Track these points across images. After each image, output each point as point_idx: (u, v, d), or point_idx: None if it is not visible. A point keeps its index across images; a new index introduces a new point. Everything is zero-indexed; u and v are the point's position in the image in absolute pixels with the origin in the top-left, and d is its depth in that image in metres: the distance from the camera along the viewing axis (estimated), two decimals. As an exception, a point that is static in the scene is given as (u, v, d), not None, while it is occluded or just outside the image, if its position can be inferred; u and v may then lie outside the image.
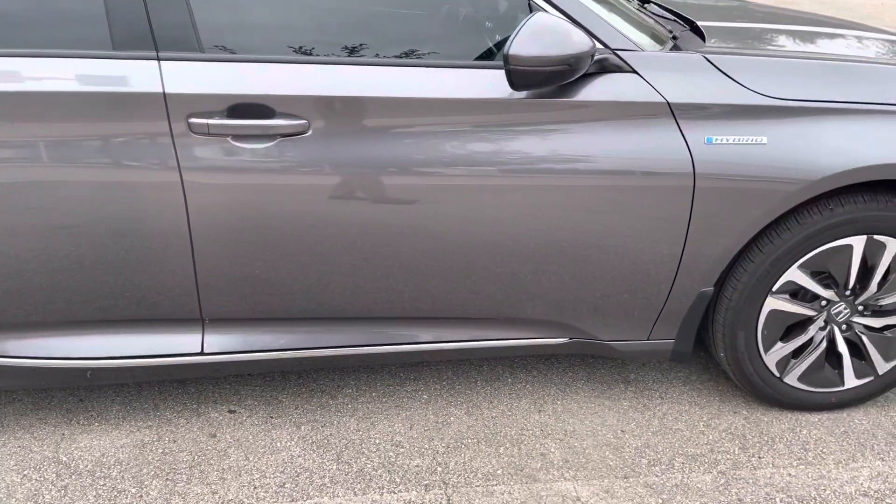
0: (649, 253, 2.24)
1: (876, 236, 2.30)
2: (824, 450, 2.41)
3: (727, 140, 2.15)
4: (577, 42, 1.96)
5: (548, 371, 2.77)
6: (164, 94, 1.93)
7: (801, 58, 2.34)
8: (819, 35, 2.80)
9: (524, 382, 2.71)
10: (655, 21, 2.67)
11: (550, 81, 2.00)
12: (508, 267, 2.24)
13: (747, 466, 2.34)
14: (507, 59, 1.91)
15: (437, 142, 2.08)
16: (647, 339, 2.43)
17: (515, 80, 1.96)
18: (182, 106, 1.95)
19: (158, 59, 1.96)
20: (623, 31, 2.18)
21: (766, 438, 2.45)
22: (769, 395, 2.53)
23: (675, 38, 2.42)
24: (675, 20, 2.74)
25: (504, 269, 2.23)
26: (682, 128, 2.14)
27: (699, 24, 2.63)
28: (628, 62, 2.14)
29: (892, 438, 2.45)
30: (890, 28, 3.28)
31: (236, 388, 2.65)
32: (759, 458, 2.37)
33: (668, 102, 2.13)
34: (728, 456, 2.38)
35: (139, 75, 1.94)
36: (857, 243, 2.30)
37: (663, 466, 2.33)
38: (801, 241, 2.28)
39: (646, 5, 2.99)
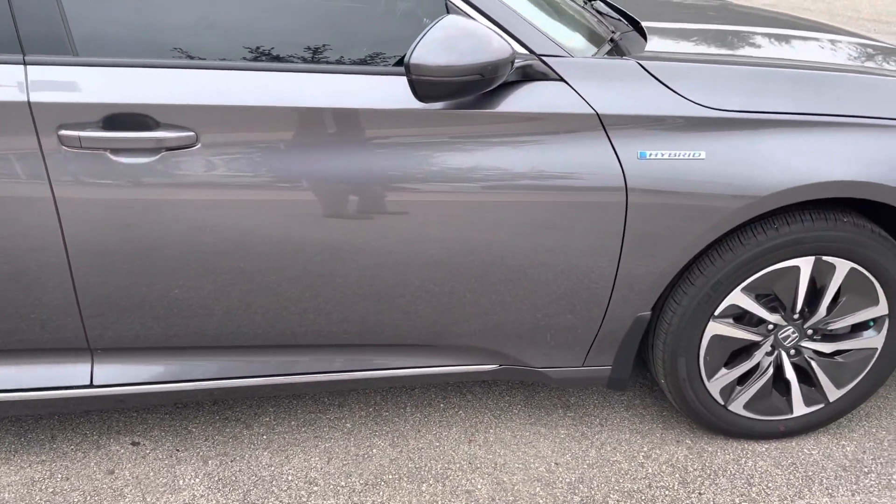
0: (580, 275, 2.07)
1: (825, 257, 2.13)
2: (770, 484, 2.25)
3: (662, 154, 1.97)
4: (493, 48, 1.77)
5: (484, 395, 2.59)
6: (30, 104, 1.73)
7: (747, 65, 2.16)
8: (783, 39, 2.63)
9: (457, 408, 2.53)
10: (599, 21, 2.49)
11: (464, 92, 1.81)
12: (430, 290, 2.05)
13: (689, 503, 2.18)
14: (408, 68, 1.72)
15: (343, 156, 1.89)
16: (582, 366, 2.26)
17: (420, 92, 1.77)
18: (51, 117, 1.74)
19: (24, 63, 1.75)
20: (551, 35, 2.00)
21: (708, 472, 2.29)
22: (713, 423, 2.37)
23: (612, 41, 2.24)
24: (619, 19, 2.56)
25: (425, 291, 2.05)
26: (612, 141, 1.96)
27: (644, 24, 2.45)
28: (555, 69, 1.95)
29: (842, 471, 2.30)
30: (875, 36, 3.12)
31: (143, 417, 2.45)
32: (700, 493, 2.21)
33: (597, 113, 1.94)
34: (667, 492, 2.21)
35: (1, 82, 1.73)
36: (805, 265, 2.14)
37: (596, 505, 2.16)
38: (745, 263, 2.11)
39: (592, 3, 2.81)
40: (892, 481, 2.26)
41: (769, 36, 2.66)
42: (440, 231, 1.97)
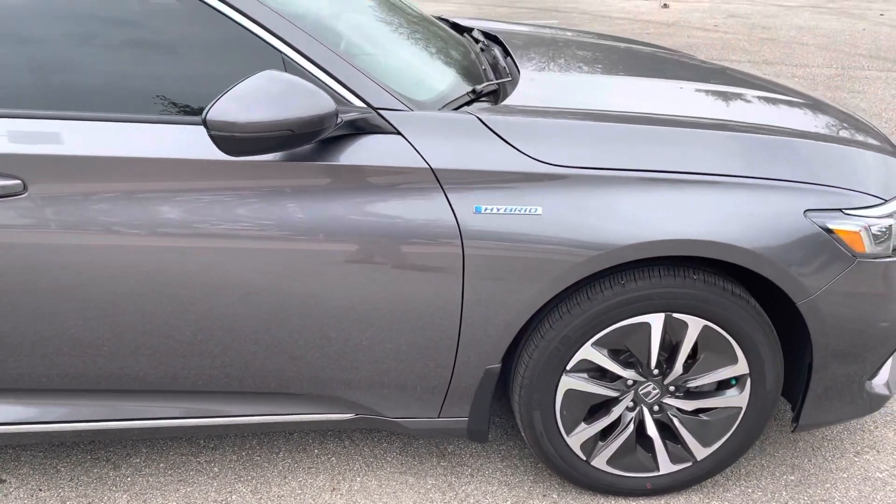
0: (426, 327, 2.06)
1: (675, 314, 2.10)
2: (625, 544, 2.20)
3: (498, 210, 1.97)
4: (306, 104, 1.78)
5: (361, 441, 2.58)
6: None
7: (593, 120, 2.15)
8: (677, 92, 2.61)
9: (331, 454, 2.52)
10: (482, 68, 2.50)
11: (276, 148, 1.82)
12: (272, 337, 2.06)
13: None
14: (205, 124, 1.73)
15: (171, 206, 1.90)
16: (438, 417, 2.24)
17: (223, 147, 1.78)
18: None
19: None
20: (392, 88, 2.00)
21: (566, 529, 2.25)
22: (577, 478, 2.33)
23: (474, 91, 2.24)
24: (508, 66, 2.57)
25: (268, 338, 2.06)
26: (448, 195, 1.96)
27: (524, 74, 2.46)
28: (392, 123, 1.96)
29: (703, 532, 2.24)
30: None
31: (17, 454, 2.47)
32: (551, 552, 2.17)
33: (431, 168, 1.94)
34: (517, 549, 2.18)
35: None
36: (655, 321, 2.11)
37: (442, 560, 2.13)
38: (593, 318, 2.09)
39: (486, 48, 2.82)
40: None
41: (664, 89, 2.64)
42: (280, 281, 1.98)
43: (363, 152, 1.96)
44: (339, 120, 1.88)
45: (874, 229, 2.11)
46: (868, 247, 2.09)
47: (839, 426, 2.67)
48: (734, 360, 2.17)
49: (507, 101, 2.23)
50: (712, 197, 2.03)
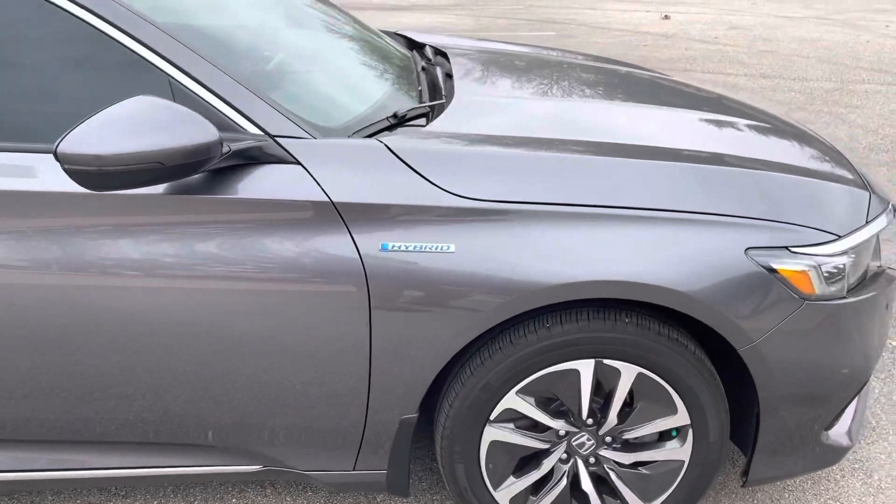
0: (333, 374, 1.89)
1: (606, 361, 1.91)
2: None
3: (406, 247, 1.79)
4: (178, 134, 1.61)
5: (284, 489, 2.41)
6: None
7: (517, 148, 1.97)
8: (627, 118, 2.43)
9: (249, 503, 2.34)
10: (415, 91, 2.34)
11: (152, 181, 1.65)
12: (163, 386, 1.89)
13: None
14: (56, 156, 1.57)
15: (52, 242, 1.74)
16: (354, 470, 2.06)
17: (81, 181, 1.61)
18: None
19: None
20: (294, 113, 1.84)
21: (492, 591, 2.06)
22: (508, 536, 2.14)
23: (396, 116, 2.07)
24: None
25: (158, 383, 1.88)
26: (351, 231, 1.79)
27: (458, 93, 2.29)
28: (291, 152, 1.80)
29: None
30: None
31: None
32: None
33: (332, 202, 1.77)
34: None
35: None
36: (584, 368, 1.93)
37: None
38: (517, 364, 1.91)
39: (433, 65, 2.65)
40: None
41: (617, 114, 2.46)
42: (171, 323, 1.82)
43: (259, 184, 1.79)
44: (227, 149, 1.71)
45: (826, 268, 1.92)
46: (818, 288, 1.91)
47: (803, 476, 2.47)
48: (673, 410, 1.99)
49: (431, 127, 2.06)
50: (642, 234, 1.85)
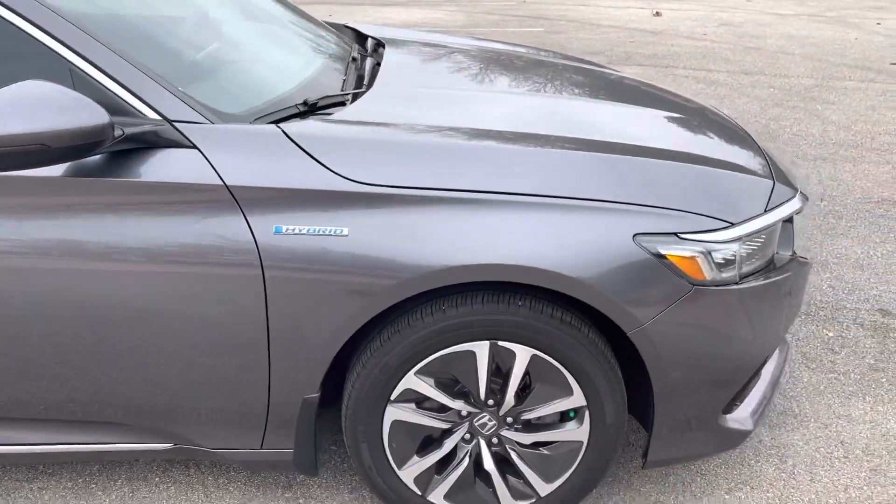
0: (232, 355, 1.95)
1: (501, 342, 1.96)
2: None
3: (300, 230, 1.85)
4: (65, 117, 1.66)
5: (208, 469, 2.47)
6: None
7: (413, 135, 2.03)
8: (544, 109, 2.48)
9: (170, 483, 2.41)
10: (351, 78, 2.39)
11: (39, 163, 1.71)
12: (69, 361, 1.94)
13: None
14: None
15: None
16: (261, 448, 2.12)
17: None
18: None
19: None
20: (192, 98, 1.89)
21: (395, 568, 2.11)
22: (414, 514, 2.20)
23: (306, 103, 2.12)
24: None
25: (65, 362, 1.94)
26: (246, 215, 1.84)
27: (379, 82, 2.35)
28: (188, 136, 1.85)
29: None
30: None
31: None
32: None
33: (226, 185, 1.83)
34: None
35: None
36: (480, 350, 1.98)
37: None
38: (414, 346, 1.97)
39: (366, 55, 2.70)
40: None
41: (529, 104, 2.50)
42: (72, 303, 1.87)
43: (156, 167, 1.85)
44: (121, 133, 1.76)
45: (717, 255, 1.97)
46: (708, 273, 1.95)
47: (717, 459, 2.52)
48: (569, 392, 2.03)
49: (339, 114, 2.11)
50: (531, 219, 1.90)
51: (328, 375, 2.02)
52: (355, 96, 2.28)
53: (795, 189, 2.30)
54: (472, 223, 1.88)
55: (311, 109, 2.13)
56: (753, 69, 8.26)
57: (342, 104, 2.23)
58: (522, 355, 1.99)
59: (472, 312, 1.94)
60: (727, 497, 2.38)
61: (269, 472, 2.41)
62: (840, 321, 3.34)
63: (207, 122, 1.88)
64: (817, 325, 3.30)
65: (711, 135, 2.48)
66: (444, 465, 2.15)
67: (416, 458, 2.12)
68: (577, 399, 2.04)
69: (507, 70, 2.90)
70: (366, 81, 2.43)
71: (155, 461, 2.48)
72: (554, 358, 1.99)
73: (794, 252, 2.35)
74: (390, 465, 2.12)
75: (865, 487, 2.41)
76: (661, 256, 1.92)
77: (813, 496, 2.38)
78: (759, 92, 7.23)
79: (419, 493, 2.16)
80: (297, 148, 1.88)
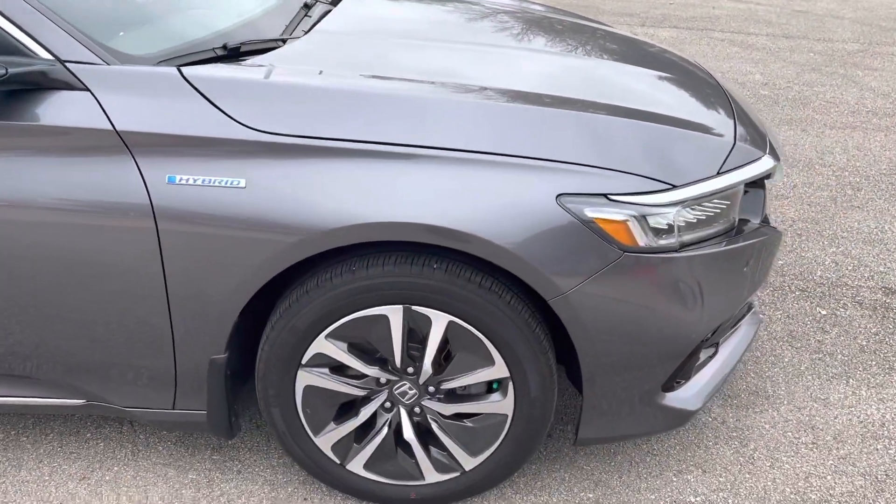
0: (132, 312, 1.87)
1: (415, 307, 1.84)
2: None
3: (194, 181, 1.74)
4: None
5: (142, 429, 2.40)
6: None
7: (326, 84, 1.89)
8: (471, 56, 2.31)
9: (100, 439, 2.36)
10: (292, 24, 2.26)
11: None
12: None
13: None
14: None
15: None
16: (174, 409, 2.04)
17: None
18: None
19: None
20: (93, 36, 1.78)
21: (308, 538, 2.03)
22: (333, 482, 2.11)
23: (225, 46, 2.00)
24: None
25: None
26: (138, 162, 1.74)
27: (317, 30, 2.22)
28: (80, 77, 1.75)
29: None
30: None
31: None
32: (278, 563, 1.95)
33: (115, 130, 1.72)
34: (241, 558, 1.97)
35: None
36: (393, 314, 1.85)
37: (154, 564, 1.94)
38: (324, 307, 1.86)
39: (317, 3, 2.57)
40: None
41: (470, 57, 2.33)
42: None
43: (45, 111, 1.76)
44: (3, 72, 1.67)
45: (654, 220, 1.80)
46: (641, 239, 1.79)
47: (672, 439, 2.36)
48: (490, 362, 1.90)
49: (255, 60, 1.99)
50: (445, 176, 1.76)
51: (248, 338, 1.93)
52: (288, 42, 2.14)
53: (763, 151, 2.11)
54: (379, 178, 1.75)
55: (234, 54, 2.00)
56: (796, 33, 7.86)
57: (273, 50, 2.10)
58: (439, 322, 1.86)
59: (383, 274, 1.82)
60: (675, 479, 2.23)
61: (184, 432, 2.33)
62: (838, 299, 3.12)
63: (104, 63, 1.77)
64: (811, 303, 3.09)
65: (676, 91, 2.29)
66: (363, 433, 2.04)
67: (332, 425, 2.02)
68: (500, 370, 1.91)
69: (468, 21, 2.73)
70: (305, 28, 2.29)
71: (92, 417, 2.42)
72: (472, 325, 1.86)
73: (764, 220, 2.17)
74: (306, 431, 2.02)
75: (829, 477, 2.24)
76: (587, 219, 1.76)
77: (769, 483, 2.21)
78: (798, 57, 6.87)
79: (338, 461, 2.06)
80: (196, 92, 1.77)
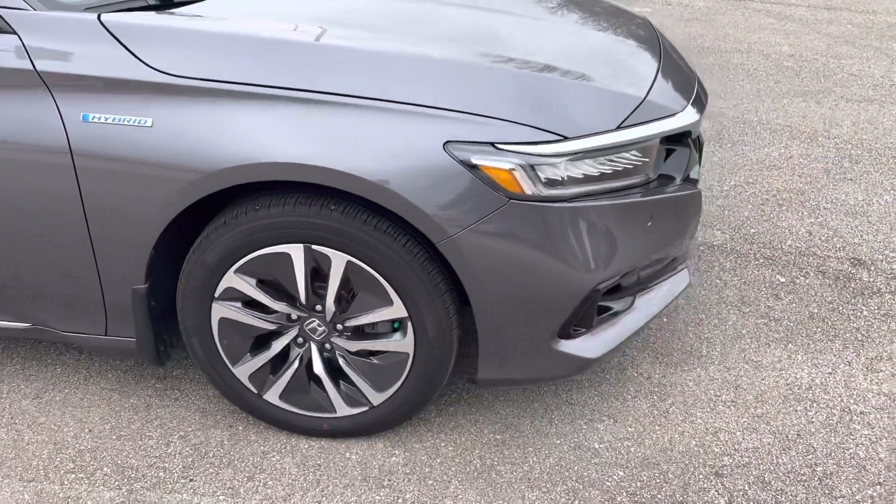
0: (57, 240, 2.03)
1: (315, 247, 1.95)
2: (276, 481, 2.11)
3: (105, 119, 1.88)
4: None
5: (98, 357, 2.58)
6: None
7: (234, 30, 2.00)
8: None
9: (58, 365, 2.56)
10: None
11: None
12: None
13: (171, 489, 2.09)
14: None
15: None
16: (106, 335, 2.20)
17: None
18: None
19: None
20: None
21: (224, 460, 2.18)
22: (252, 411, 2.25)
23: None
24: None
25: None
26: (57, 101, 1.89)
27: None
28: (9, 22, 1.90)
29: (362, 481, 2.11)
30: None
31: None
32: (191, 480, 2.11)
33: (36, 70, 1.87)
34: (163, 474, 2.14)
35: None
36: (295, 252, 1.97)
37: (79, 475, 2.12)
38: (230, 243, 1.98)
39: None
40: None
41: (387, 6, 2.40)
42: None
43: (-18, 51, 1.90)
44: (-64, 17, 1.82)
45: (542, 170, 1.86)
46: (528, 188, 1.86)
47: (592, 390, 2.43)
48: (389, 302, 2.00)
49: (182, 9, 2.11)
50: (337, 120, 1.85)
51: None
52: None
53: (682, 107, 2.14)
54: (273, 121, 1.86)
55: (170, 3, 2.13)
56: (838, 4, 7.63)
57: None
58: (338, 261, 1.96)
59: (283, 213, 1.93)
60: (584, 427, 2.30)
61: (118, 357, 2.49)
62: (801, 267, 3.11)
63: (31, 9, 1.91)
64: (772, 270, 3.10)
65: (596, 45, 2.32)
66: (279, 365, 2.17)
67: (248, 356, 2.15)
68: (398, 310, 2.01)
69: None
70: None
71: (55, 345, 2.61)
72: (370, 266, 1.96)
73: (686, 177, 2.20)
74: (224, 361, 2.16)
75: (738, 433, 2.28)
76: (474, 166, 1.83)
77: (675, 435, 2.27)
78: (834, 29, 6.69)
79: (255, 391, 2.19)
80: (111, 37, 1.90)
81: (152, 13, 2.06)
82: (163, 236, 2.00)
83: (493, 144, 1.85)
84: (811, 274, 3.07)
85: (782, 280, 3.03)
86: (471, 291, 1.94)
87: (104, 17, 1.93)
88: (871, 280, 3.01)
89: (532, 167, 1.85)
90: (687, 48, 6.01)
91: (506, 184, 1.85)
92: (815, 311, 2.85)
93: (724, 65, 5.64)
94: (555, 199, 1.89)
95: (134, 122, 1.87)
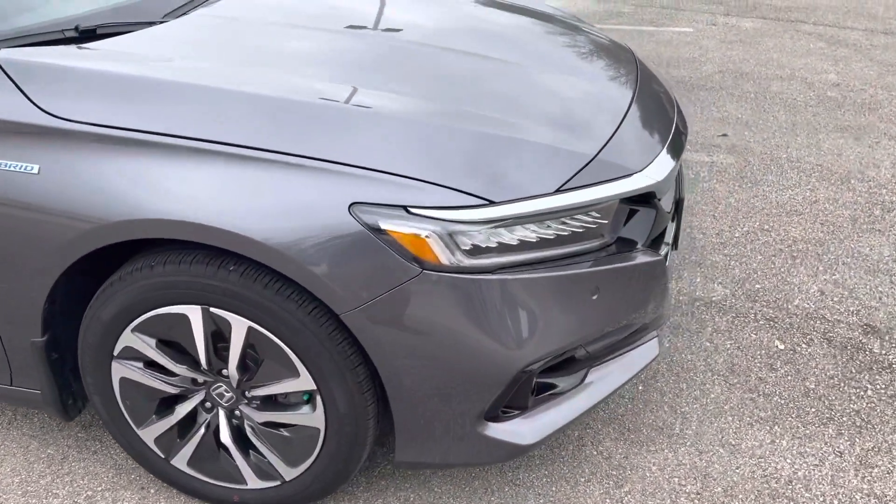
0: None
1: (213, 309, 1.77)
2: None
3: (-7, 164, 1.73)
4: None
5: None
6: None
7: (134, 72, 1.83)
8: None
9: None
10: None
11: None
12: None
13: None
14: None
15: None
16: (12, 385, 2.06)
17: None
18: None
19: None
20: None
21: (123, 529, 2.01)
22: (161, 475, 2.09)
23: (77, 29, 1.98)
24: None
25: None
26: (-54, 143, 1.74)
27: (187, 18, 2.16)
28: None
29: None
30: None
31: None
32: (83, 551, 1.95)
33: (-80, 109, 1.74)
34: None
35: None
36: (193, 314, 1.79)
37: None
38: (125, 301, 1.82)
39: None
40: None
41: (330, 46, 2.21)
42: None
43: None
44: None
45: (462, 237, 1.65)
46: (445, 257, 1.65)
47: (542, 469, 2.20)
48: (295, 373, 1.81)
49: (92, 45, 1.95)
50: (231, 174, 1.67)
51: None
52: (157, 25, 2.09)
53: (643, 166, 1.90)
54: (163, 173, 1.68)
55: (87, 37, 1.98)
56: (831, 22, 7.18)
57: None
58: (238, 326, 1.78)
59: (178, 272, 1.75)
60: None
61: (25, 407, 2.35)
62: (805, 332, 2.82)
63: (-77, 44, 1.78)
64: (772, 334, 2.81)
65: (561, 91, 2.09)
66: (186, 429, 1.99)
67: (154, 418, 1.98)
68: (306, 381, 1.81)
69: (375, 14, 2.59)
70: (172, 16, 2.23)
71: None
72: (273, 333, 1.77)
73: (644, 245, 1.96)
74: (128, 422, 1.99)
75: (697, 534, 2.02)
76: (382, 232, 1.63)
77: (623, 533, 2.02)
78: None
79: (162, 455, 2.02)
80: (4, 75, 1.74)
81: (61, 48, 1.90)
82: (63, 287, 1.84)
83: (405, 208, 1.64)
84: (815, 341, 2.77)
85: (781, 347, 2.74)
86: (380, 367, 1.74)
87: (1, 53, 1.78)
88: (883, 353, 2.71)
89: (450, 234, 1.64)
90: (712, 76, 5.69)
91: (419, 252, 1.64)
92: (812, 386, 2.55)
93: (761, 93, 5.31)
94: (478, 270, 1.67)
95: (20, 168, 1.72)
